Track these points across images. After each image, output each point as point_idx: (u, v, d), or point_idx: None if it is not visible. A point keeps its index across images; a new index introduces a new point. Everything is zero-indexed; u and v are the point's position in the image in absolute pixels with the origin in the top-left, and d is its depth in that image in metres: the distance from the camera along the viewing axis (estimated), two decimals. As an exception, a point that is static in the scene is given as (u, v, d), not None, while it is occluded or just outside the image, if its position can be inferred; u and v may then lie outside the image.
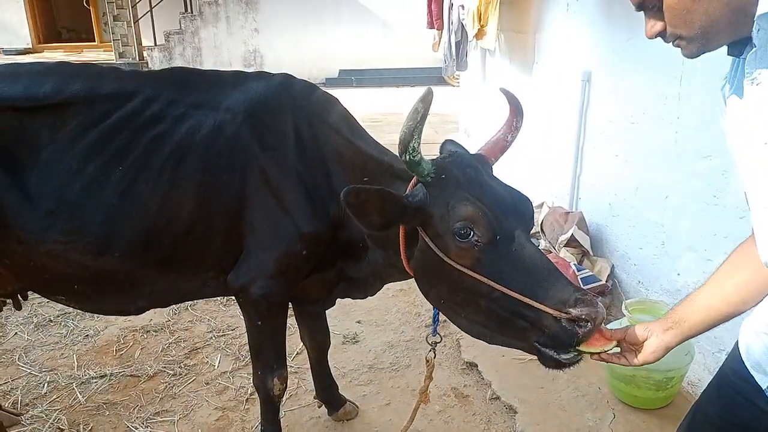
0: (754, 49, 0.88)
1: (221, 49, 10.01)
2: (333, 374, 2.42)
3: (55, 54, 11.26)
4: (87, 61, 10.15)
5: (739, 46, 0.96)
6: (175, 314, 3.14)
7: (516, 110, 1.66)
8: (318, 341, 2.29)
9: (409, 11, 8.41)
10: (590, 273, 2.95)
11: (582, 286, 2.86)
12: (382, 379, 2.64)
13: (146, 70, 1.93)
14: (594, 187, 3.35)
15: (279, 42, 9.92)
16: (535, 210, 3.83)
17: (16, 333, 2.98)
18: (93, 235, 1.72)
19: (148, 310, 1.98)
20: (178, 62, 9.84)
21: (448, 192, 1.41)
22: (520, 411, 2.34)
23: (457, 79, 7.14)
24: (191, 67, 2.04)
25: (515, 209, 1.43)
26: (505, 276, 1.33)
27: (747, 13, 0.89)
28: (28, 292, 2.15)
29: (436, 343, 1.84)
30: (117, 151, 1.71)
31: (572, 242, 3.17)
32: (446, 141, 1.77)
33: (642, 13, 1.03)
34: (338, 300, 3.27)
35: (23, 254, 1.75)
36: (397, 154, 1.42)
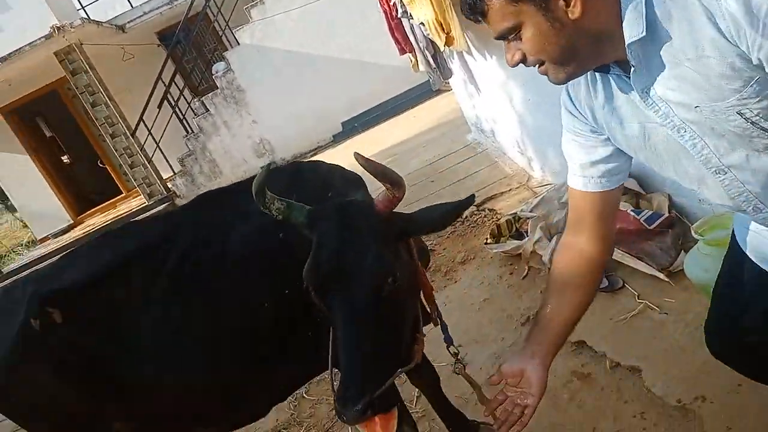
0: (633, 69, 1.08)
1: (231, 152, 10.46)
2: (456, 404, 2.50)
3: (94, 219, 11.97)
4: (122, 212, 10.78)
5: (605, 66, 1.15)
6: (295, 407, 3.29)
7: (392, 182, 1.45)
8: (425, 378, 2.38)
9: (379, 45, 8.64)
10: (650, 212, 2.96)
11: (648, 227, 2.88)
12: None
13: (180, 206, 2.15)
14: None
15: (278, 123, 10.30)
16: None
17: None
18: (204, 366, 1.90)
19: (277, 404, 2.18)
20: (200, 180, 10.33)
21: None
22: (644, 368, 2.36)
23: (449, 86, 7.26)
24: (217, 189, 2.26)
25: (337, 267, 1.40)
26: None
27: (604, 41, 1.08)
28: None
29: (456, 354, 1.79)
30: (190, 285, 1.88)
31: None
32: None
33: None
34: (431, 333, 3.36)
35: (149, 411, 1.96)
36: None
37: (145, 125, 9.98)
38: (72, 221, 12.26)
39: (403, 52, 5.91)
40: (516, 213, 4.04)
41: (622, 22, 1.04)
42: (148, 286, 1.91)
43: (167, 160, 10.46)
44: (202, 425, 2.13)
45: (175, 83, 10.23)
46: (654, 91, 1.09)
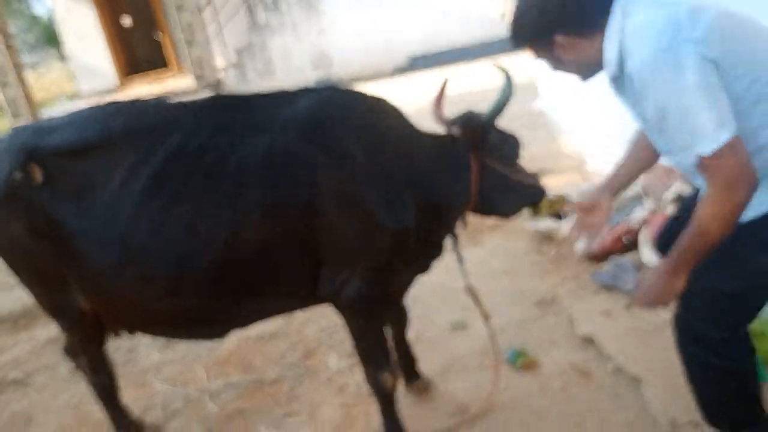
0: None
1: (291, 56, 10.24)
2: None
3: (140, 87, 11.97)
4: (168, 89, 10.73)
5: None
6: (287, 318, 3.25)
7: None
8: (395, 320, 2.33)
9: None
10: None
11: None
12: (496, 363, 2.60)
13: (190, 100, 1.93)
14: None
15: (344, 40, 10.01)
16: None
17: (147, 354, 3.20)
18: (163, 278, 1.76)
19: (233, 331, 2.04)
20: (251, 76, 10.19)
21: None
22: (645, 381, 2.24)
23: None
24: (234, 93, 2.09)
25: None
26: None
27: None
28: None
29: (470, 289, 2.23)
30: (173, 190, 1.73)
31: (678, 198, 2.99)
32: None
33: None
34: (440, 289, 3.25)
35: (104, 298, 1.88)
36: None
37: (214, 6, 9.78)
38: (118, 83, 12.27)
39: (496, -4, 5.58)
40: (562, 194, 3.84)
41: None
42: (129, 172, 1.75)
43: (225, 48, 10.29)
44: (153, 332, 2.05)
45: (255, -30, 9.95)
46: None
